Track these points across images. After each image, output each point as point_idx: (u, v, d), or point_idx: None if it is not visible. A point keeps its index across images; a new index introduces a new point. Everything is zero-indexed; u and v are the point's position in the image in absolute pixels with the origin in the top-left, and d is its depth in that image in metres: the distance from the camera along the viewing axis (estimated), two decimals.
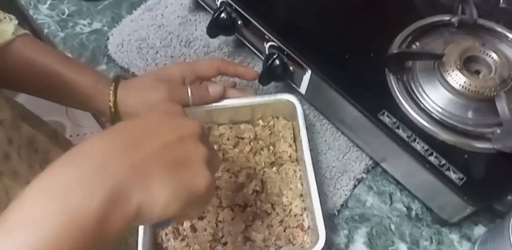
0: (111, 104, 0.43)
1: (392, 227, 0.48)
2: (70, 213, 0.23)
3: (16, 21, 0.43)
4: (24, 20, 0.44)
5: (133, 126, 0.30)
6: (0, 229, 0.23)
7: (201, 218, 0.43)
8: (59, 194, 0.24)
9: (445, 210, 0.45)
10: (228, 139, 0.48)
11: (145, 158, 0.27)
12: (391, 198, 0.50)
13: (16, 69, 0.42)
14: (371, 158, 0.51)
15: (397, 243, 0.47)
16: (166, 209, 0.27)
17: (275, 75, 0.51)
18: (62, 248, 0.23)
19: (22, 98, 0.47)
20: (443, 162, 0.42)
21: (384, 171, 0.51)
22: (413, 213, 0.49)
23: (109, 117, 0.44)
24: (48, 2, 0.62)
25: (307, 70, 0.48)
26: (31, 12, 0.61)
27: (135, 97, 0.44)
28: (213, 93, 0.46)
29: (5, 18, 0.42)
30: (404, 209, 0.49)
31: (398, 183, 0.50)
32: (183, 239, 0.41)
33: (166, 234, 0.42)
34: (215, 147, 0.48)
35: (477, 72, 0.47)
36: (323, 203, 0.46)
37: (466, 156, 0.42)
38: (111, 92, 0.43)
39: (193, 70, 0.46)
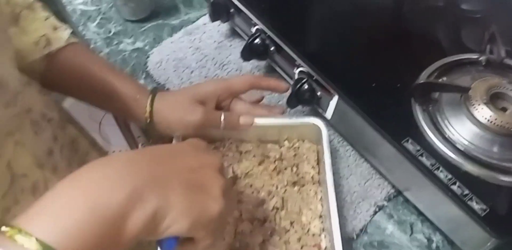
0: (146, 115, 0.46)
1: None
2: (94, 204, 0.26)
3: (71, 30, 0.47)
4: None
5: (162, 148, 0.33)
6: (31, 213, 0.25)
7: None
8: (86, 187, 0.27)
9: (467, 243, 0.44)
10: (254, 156, 0.50)
11: (167, 173, 0.29)
12: (411, 228, 0.49)
13: (65, 73, 0.46)
14: (393, 187, 0.51)
15: None
16: (177, 220, 0.28)
17: (303, 99, 0.53)
18: (83, 235, 0.25)
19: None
20: (466, 192, 0.42)
21: (406, 200, 0.51)
22: (434, 245, 0.48)
23: (144, 126, 0.46)
24: (97, 21, 0.67)
25: (334, 95, 0.50)
26: (80, 28, 0.66)
27: (171, 114, 0.46)
28: (244, 124, 0.49)
29: (61, 26, 0.46)
30: (425, 240, 0.48)
31: (420, 213, 0.50)
32: None
33: None
34: (241, 164, 0.50)
35: (504, 109, 0.48)
36: (342, 226, 0.46)
37: (490, 188, 0.42)
38: (148, 103, 0.46)
39: (227, 88, 0.48)
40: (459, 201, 0.41)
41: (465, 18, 0.59)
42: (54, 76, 0.45)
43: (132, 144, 1.19)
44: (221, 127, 0.47)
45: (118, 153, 0.30)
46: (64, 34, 0.45)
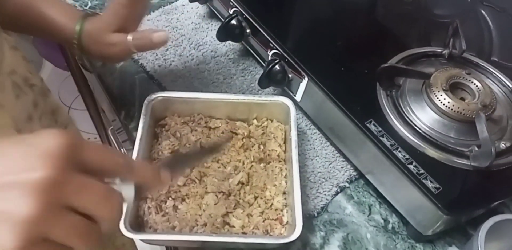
0: (76, 36, 0.45)
1: (368, 236, 0.49)
2: None
3: None
4: None
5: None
6: None
7: (183, 200, 0.44)
8: None
9: (421, 223, 0.47)
10: (222, 132, 0.51)
11: None
12: (370, 209, 0.51)
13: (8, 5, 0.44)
14: (355, 170, 0.53)
15: None
16: None
17: (274, 80, 0.54)
18: None
19: None
20: (422, 171, 0.44)
21: (367, 183, 0.53)
22: (390, 226, 0.50)
23: (76, 48, 0.46)
24: None
25: (304, 77, 0.52)
26: None
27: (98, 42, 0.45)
28: (158, 41, 0.45)
29: None
30: (382, 221, 0.50)
31: (378, 196, 0.52)
32: (164, 215, 0.42)
33: (148, 208, 0.43)
34: (209, 139, 0.50)
35: (462, 99, 0.50)
36: (304, 203, 0.48)
37: (444, 169, 0.45)
38: (77, 27, 0.45)
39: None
40: (415, 179, 0.43)
41: (434, 20, 0.62)
42: None
43: (101, 129, 1.17)
44: (132, 47, 0.45)
45: None
46: None
